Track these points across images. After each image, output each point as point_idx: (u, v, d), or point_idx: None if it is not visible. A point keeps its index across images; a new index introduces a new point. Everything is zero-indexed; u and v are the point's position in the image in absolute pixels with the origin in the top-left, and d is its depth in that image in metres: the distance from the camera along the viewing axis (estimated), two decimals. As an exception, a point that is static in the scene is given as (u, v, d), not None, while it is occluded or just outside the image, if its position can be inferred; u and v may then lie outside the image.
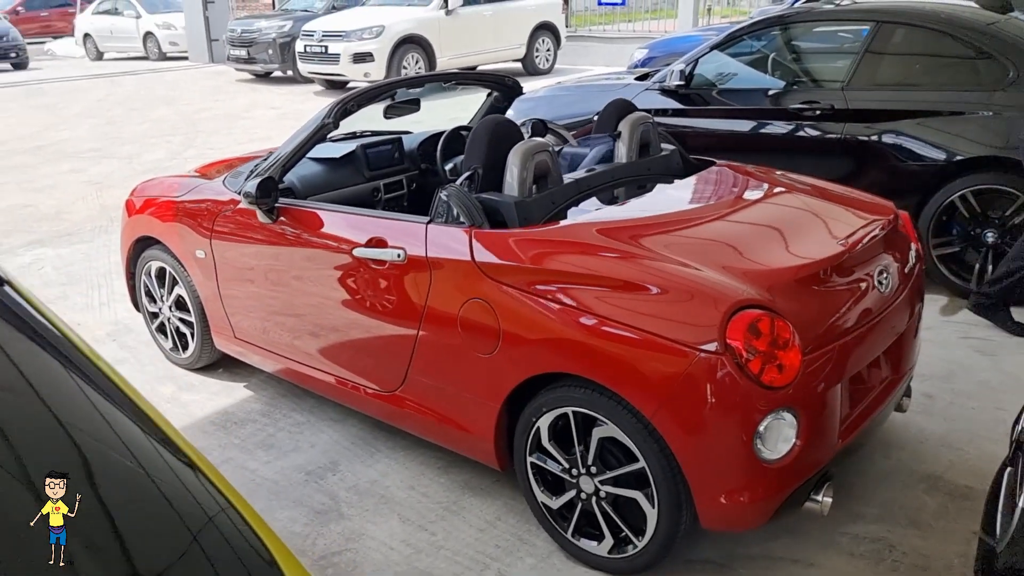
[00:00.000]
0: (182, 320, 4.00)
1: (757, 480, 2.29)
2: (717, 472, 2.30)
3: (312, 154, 3.86)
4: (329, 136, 4.08)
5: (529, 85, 6.60)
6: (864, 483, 3.02)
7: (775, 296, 2.32)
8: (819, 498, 2.47)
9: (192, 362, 4.07)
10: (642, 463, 2.40)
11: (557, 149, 3.57)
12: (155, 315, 4.18)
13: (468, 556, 2.74)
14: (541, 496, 2.72)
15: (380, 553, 2.78)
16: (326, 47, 13.12)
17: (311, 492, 3.13)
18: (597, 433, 2.50)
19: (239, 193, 3.42)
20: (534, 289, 2.53)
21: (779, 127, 5.07)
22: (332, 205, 3.23)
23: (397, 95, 3.78)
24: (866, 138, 4.74)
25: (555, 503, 2.69)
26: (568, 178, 3.04)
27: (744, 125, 5.22)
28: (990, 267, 4.48)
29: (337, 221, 3.14)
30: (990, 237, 4.47)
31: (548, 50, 15.07)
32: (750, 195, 3.10)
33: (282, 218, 3.31)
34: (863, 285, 2.55)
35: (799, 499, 2.44)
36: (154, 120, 11.72)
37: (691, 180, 3.20)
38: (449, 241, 2.77)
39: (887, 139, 4.68)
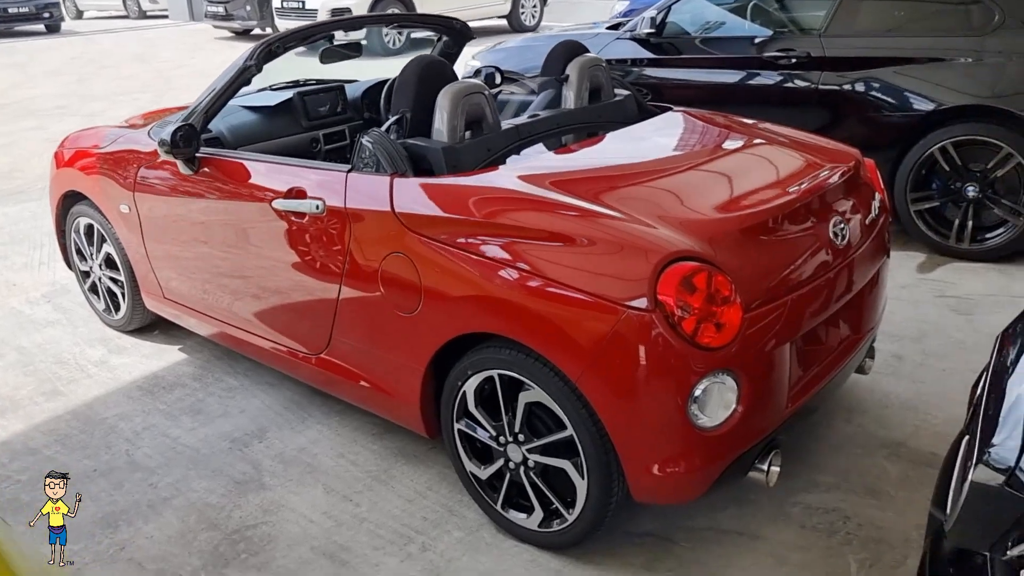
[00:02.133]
0: (113, 280, 3.78)
1: (693, 449, 2.10)
2: (648, 441, 2.10)
3: (246, 102, 3.62)
4: (272, 86, 3.85)
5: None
6: (821, 449, 2.83)
7: (715, 248, 2.10)
8: (764, 467, 2.27)
9: (124, 324, 3.85)
10: (570, 431, 2.20)
11: (496, 92, 3.33)
12: (87, 274, 3.96)
13: (391, 529, 2.56)
14: (469, 465, 2.53)
15: (298, 526, 2.59)
16: (303, 3, 12.75)
17: (233, 461, 2.94)
18: (523, 398, 2.29)
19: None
20: (456, 242, 2.31)
21: (753, 76, 4.81)
22: (255, 154, 3.00)
23: (335, 39, 3.53)
24: (843, 87, 4.49)
25: (484, 473, 2.49)
26: (507, 124, 2.80)
27: (716, 74, 4.96)
28: (970, 222, 4.27)
29: (258, 170, 2.90)
30: (971, 191, 4.24)
31: (534, 6, 14.69)
32: (703, 142, 2.87)
33: (205, 169, 3.08)
34: (817, 237, 2.33)
35: (742, 468, 2.25)
36: (126, 77, 11.39)
37: (641, 127, 2.96)
38: (369, 190, 2.54)
39: (864, 88, 4.43)
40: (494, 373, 2.33)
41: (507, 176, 2.47)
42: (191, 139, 3.00)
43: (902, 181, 4.35)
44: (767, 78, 4.75)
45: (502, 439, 2.40)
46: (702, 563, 2.36)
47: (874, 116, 4.41)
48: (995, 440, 1.54)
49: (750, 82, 4.83)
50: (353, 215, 2.56)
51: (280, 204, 2.75)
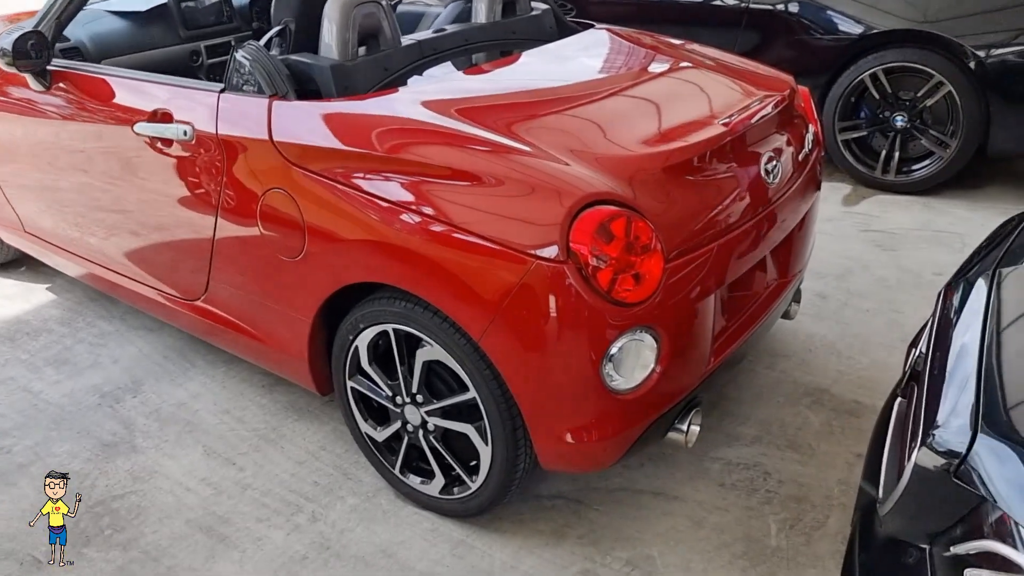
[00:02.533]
0: (-34, 209, 3.34)
1: (606, 414, 1.89)
2: (557, 406, 1.88)
3: (114, 7, 3.17)
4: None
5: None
6: (742, 398, 2.68)
7: (635, 189, 1.85)
8: (684, 427, 2.09)
9: (-16, 259, 3.43)
10: (472, 393, 1.97)
11: (395, 3, 2.97)
12: (-63, 203, 3.49)
13: (278, 497, 2.31)
14: (365, 427, 2.29)
15: (173, 495, 2.32)
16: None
17: (102, 419, 2.63)
18: (421, 356, 2.04)
19: (2, 52, 2.73)
20: (344, 178, 2.00)
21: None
22: (116, 69, 2.59)
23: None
24: (775, 7, 4.25)
25: (380, 435, 2.25)
26: (408, 40, 2.46)
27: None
28: (896, 153, 4.13)
29: (119, 88, 2.51)
30: (899, 121, 4.09)
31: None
32: (626, 65, 2.59)
33: (59, 84, 2.66)
34: (747, 175, 2.10)
35: (660, 430, 2.06)
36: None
37: (559, 46, 2.66)
38: (244, 115, 2.20)
39: (798, 9, 4.19)
40: (388, 328, 2.07)
41: (405, 101, 2.15)
42: (40, 49, 2.57)
43: (830, 109, 4.17)
44: (694, -6, 4.46)
45: (399, 399, 2.15)
46: (615, 528, 2.20)
47: (805, 39, 4.19)
48: (939, 419, 1.36)
49: (674, 1, 4.54)
50: (226, 143, 2.22)
51: (143, 128, 2.38)
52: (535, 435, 1.93)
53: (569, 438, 1.90)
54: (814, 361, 2.88)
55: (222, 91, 2.26)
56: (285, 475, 2.39)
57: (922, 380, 1.58)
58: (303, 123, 2.11)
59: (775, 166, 2.17)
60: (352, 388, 2.25)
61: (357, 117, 2.08)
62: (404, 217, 1.90)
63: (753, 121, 2.13)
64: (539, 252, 1.76)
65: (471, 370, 1.93)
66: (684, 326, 1.94)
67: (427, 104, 2.10)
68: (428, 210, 1.88)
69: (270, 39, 2.33)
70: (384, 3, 2.33)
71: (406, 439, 2.20)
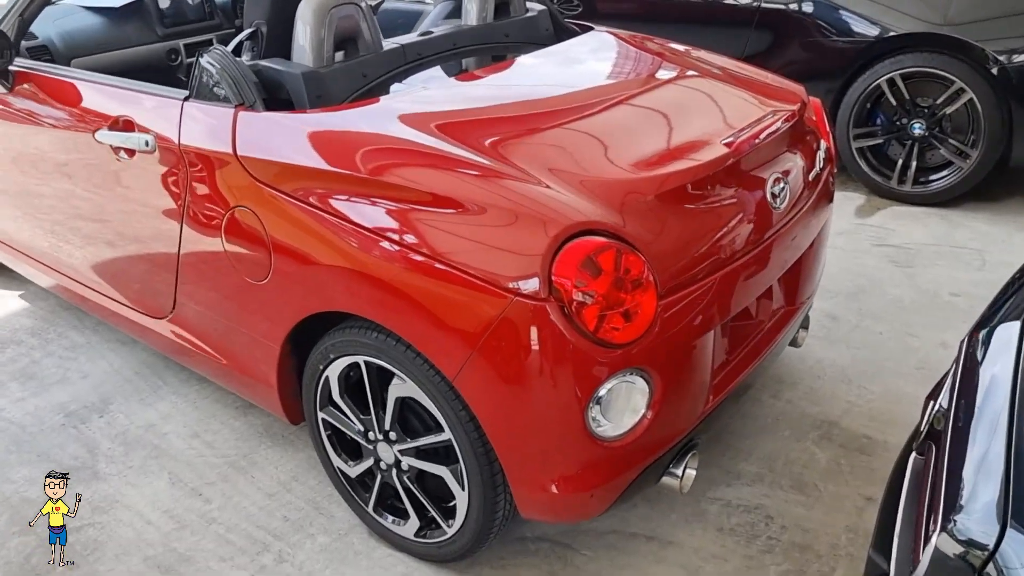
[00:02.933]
0: (-64, 212, 3.19)
1: (592, 463, 1.72)
2: (537, 453, 1.72)
3: (88, 2, 3.01)
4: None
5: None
6: (745, 430, 2.52)
7: (627, 217, 1.68)
8: (679, 472, 1.93)
9: (-46, 264, 3.28)
10: (448, 434, 1.81)
11: (376, 3, 2.80)
12: (-93, 204, 3.35)
13: (245, 533, 2.16)
14: (337, 461, 2.13)
15: (133, 529, 2.18)
16: None
17: (65, 441, 2.48)
18: (394, 391, 1.89)
19: (-36, 51, 2.57)
20: (311, 200, 1.84)
21: (689, -9, 4.33)
22: (77, 71, 2.43)
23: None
24: (787, 6, 4.05)
25: (353, 470, 2.10)
26: (390, 44, 2.29)
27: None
28: (914, 163, 3.94)
29: (82, 91, 2.35)
30: (917, 129, 3.90)
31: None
32: (626, 74, 2.42)
33: (24, 85, 2.51)
34: (751, 199, 1.93)
35: (652, 476, 1.89)
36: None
37: (554, 51, 2.49)
38: (208, 125, 2.04)
39: (809, 8, 3.99)
40: (360, 360, 1.91)
41: (381, 115, 1.99)
42: (1, 49, 2.42)
43: (845, 115, 3.98)
44: (707, -8, 4.27)
45: (371, 435, 2.00)
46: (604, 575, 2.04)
47: (819, 41, 4.00)
48: (962, 499, 1.20)
49: (682, -1, 4.35)
50: (189, 156, 2.06)
51: (104, 136, 2.22)
52: (514, 483, 1.77)
53: (551, 487, 1.74)
54: (823, 390, 2.71)
55: (186, 99, 2.10)
56: (254, 508, 2.24)
57: (942, 441, 1.41)
58: (269, 137, 1.95)
59: (782, 189, 2.00)
60: (323, 420, 2.10)
61: (326, 132, 1.91)
62: (372, 243, 1.74)
63: (759, 140, 1.95)
64: (519, 287, 1.60)
65: (446, 410, 1.77)
66: (680, 367, 1.78)
67: (405, 118, 1.94)
68: (398, 236, 1.72)
69: (240, 43, 2.16)
70: (364, 4, 2.16)
71: (379, 477, 2.04)
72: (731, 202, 1.87)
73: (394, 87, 2.24)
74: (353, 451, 2.11)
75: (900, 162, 3.96)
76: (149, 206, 2.21)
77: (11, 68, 2.50)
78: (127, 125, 2.18)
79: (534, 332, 1.60)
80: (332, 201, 1.82)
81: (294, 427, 2.49)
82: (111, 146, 2.22)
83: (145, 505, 2.25)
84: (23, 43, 2.71)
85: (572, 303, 1.59)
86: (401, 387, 1.86)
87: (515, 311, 1.60)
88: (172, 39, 3.03)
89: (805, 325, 2.51)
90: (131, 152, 2.18)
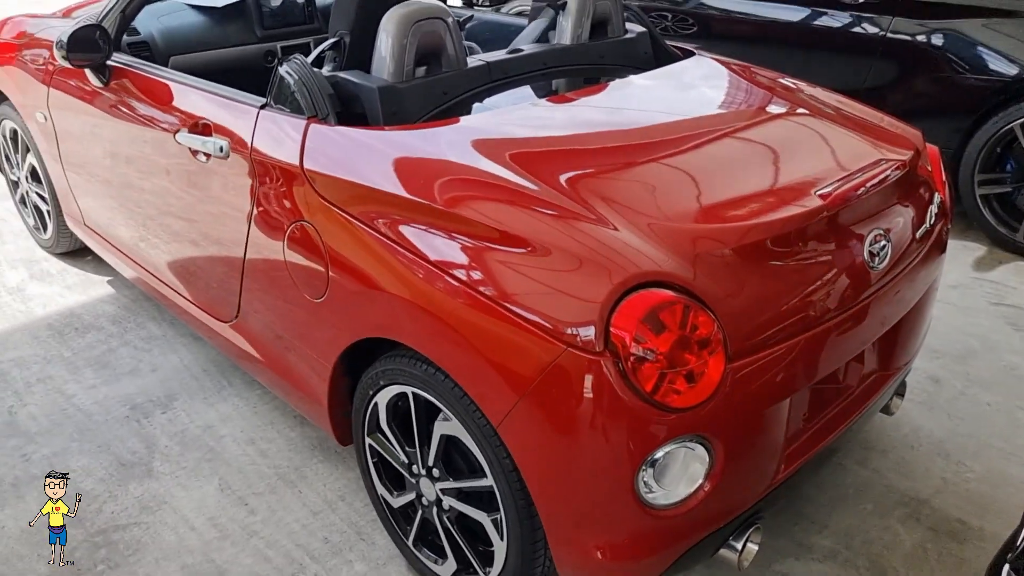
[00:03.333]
0: (40, 195, 3.31)
1: (639, 532, 1.58)
2: (580, 514, 1.59)
3: (195, 0, 3.05)
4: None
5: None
6: (822, 498, 2.31)
7: (699, 269, 1.54)
8: (738, 545, 1.76)
9: (52, 246, 3.41)
10: (490, 480, 1.71)
11: (463, 18, 2.71)
12: (16, 184, 3.49)
13: (284, 551, 2.11)
14: (380, 489, 2.06)
15: (176, 534, 2.16)
16: None
17: (127, 434, 2.50)
18: (439, 428, 1.80)
19: (70, 42, 2.63)
20: (367, 220, 1.77)
21: (818, 16, 4.08)
22: (166, 71, 2.44)
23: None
24: (915, 37, 3.77)
25: (396, 501, 2.02)
26: (476, 61, 2.21)
27: (777, 9, 4.22)
28: (1045, 216, 3.60)
29: (169, 91, 2.36)
30: (1052, 180, 3.56)
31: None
32: (723, 107, 2.25)
33: (118, 81, 2.55)
34: (846, 257, 1.75)
35: (708, 549, 1.74)
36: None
37: (650, 77, 2.35)
38: (280, 135, 2.00)
39: (942, 41, 3.70)
40: (408, 390, 1.83)
41: (453, 138, 1.90)
42: (97, 44, 2.46)
43: (970, 158, 3.67)
44: (833, 19, 4.02)
45: (415, 469, 1.91)
46: (648, 647, 1.88)
47: (948, 76, 3.70)
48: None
49: (814, 22, 4.10)
50: (259, 164, 2.03)
51: (184, 138, 2.22)
52: (553, 543, 1.65)
53: (593, 553, 1.61)
54: (915, 462, 2.47)
55: (263, 106, 2.07)
56: (296, 525, 2.19)
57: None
58: (335, 152, 1.89)
59: (883, 247, 1.80)
60: (370, 445, 2.03)
61: (393, 152, 1.84)
62: (424, 271, 1.65)
63: (860, 192, 1.77)
64: (573, 336, 1.47)
65: (489, 456, 1.67)
66: (747, 436, 1.62)
67: (478, 144, 1.84)
68: (451, 269, 1.62)
69: (322, 52, 2.12)
70: (450, 20, 2.08)
71: (420, 512, 1.96)
72: (821, 260, 1.70)
73: (475, 107, 2.15)
74: (397, 481, 2.03)
75: (1029, 213, 3.63)
76: (220, 211, 2.20)
77: (108, 63, 2.54)
78: (205, 128, 2.17)
79: (585, 386, 1.48)
80: (390, 224, 1.74)
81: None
82: (190, 148, 2.22)
83: (191, 509, 2.23)
84: (126, 38, 2.76)
85: (629, 359, 1.45)
86: (446, 425, 1.76)
87: (567, 361, 1.48)
88: (271, 41, 3.05)
89: (901, 392, 2.29)
90: (208, 155, 2.17)
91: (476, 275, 1.60)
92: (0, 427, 2.52)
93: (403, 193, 1.75)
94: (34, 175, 3.25)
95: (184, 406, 2.62)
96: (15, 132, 3.24)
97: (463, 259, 1.63)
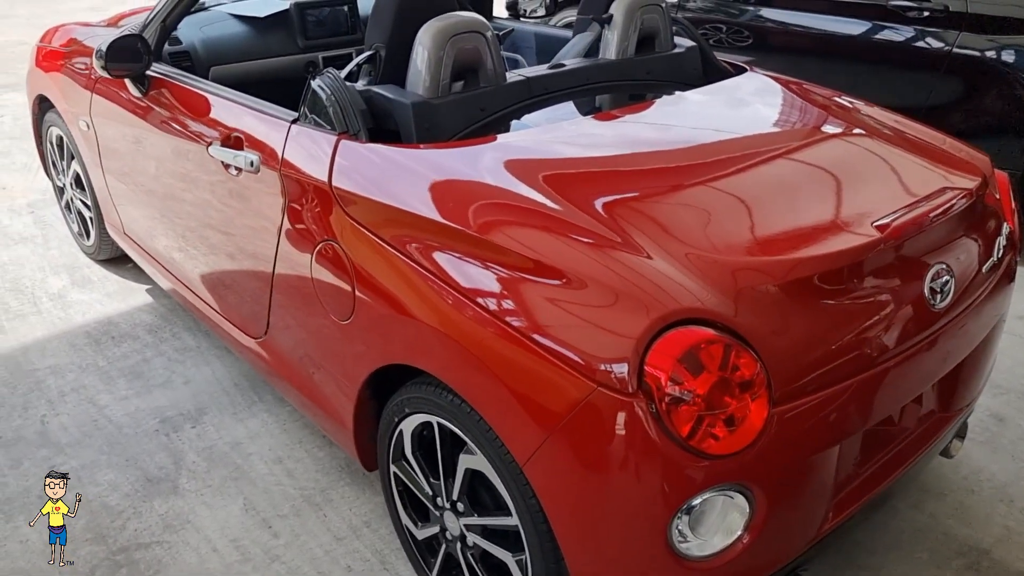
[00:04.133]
0: (84, 202, 3.33)
1: (672, 584, 1.48)
2: (608, 562, 1.49)
3: (238, 9, 3.03)
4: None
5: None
6: (874, 545, 2.17)
7: (742, 305, 1.43)
8: (781, 600, 1.64)
9: (95, 252, 3.42)
10: (515, 520, 1.62)
11: (503, 31, 2.63)
12: (62, 190, 3.52)
13: (304, 578, 2.05)
14: (405, 519, 1.99)
15: (197, 555, 2.11)
16: None
17: (155, 448, 2.47)
18: (464, 461, 1.71)
19: (111, 52, 2.62)
20: (399, 243, 1.70)
21: (879, 30, 3.92)
22: (204, 82, 2.41)
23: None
24: (983, 53, 3.58)
25: (420, 533, 1.95)
26: (515, 76, 2.13)
27: (836, 23, 4.07)
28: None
29: (205, 104, 2.33)
30: None
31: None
32: (775, 128, 2.13)
33: (157, 91, 2.53)
34: (905, 294, 1.62)
35: (746, 601, 1.62)
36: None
37: (699, 94, 2.24)
38: (310, 151, 1.94)
39: (1010, 58, 3.51)
40: (433, 420, 1.75)
41: (488, 158, 1.82)
42: (137, 53, 2.44)
43: (1042, 181, 3.48)
44: (896, 33, 3.85)
45: (439, 501, 1.83)
46: None
47: (1019, 95, 3.51)
48: None
49: (875, 36, 3.93)
50: (288, 180, 1.98)
51: (216, 152, 2.18)
52: (579, 591, 1.55)
53: (621, 604, 1.51)
54: (976, 507, 2.31)
55: (295, 120, 2.02)
56: (320, 551, 2.13)
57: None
58: (365, 170, 1.82)
59: (946, 283, 1.67)
60: (395, 474, 1.95)
61: (423, 171, 1.76)
62: (456, 301, 1.57)
63: (921, 224, 1.64)
64: (605, 374, 1.38)
65: (515, 495, 1.58)
66: (792, 486, 1.51)
67: (512, 165, 1.76)
68: (488, 300, 1.53)
69: (358, 66, 2.06)
70: (489, 34, 2.01)
71: (444, 546, 1.88)
72: (877, 297, 1.57)
73: (513, 124, 2.07)
74: (422, 512, 1.95)
75: (1105, 241, 3.41)
76: (250, 226, 2.15)
77: (149, 73, 2.52)
78: (237, 142, 2.13)
79: (617, 428, 1.38)
80: (417, 248, 1.67)
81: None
82: (222, 162, 2.18)
83: (215, 530, 2.18)
84: (168, 48, 2.75)
85: (664, 401, 1.35)
86: (472, 458, 1.68)
87: (599, 400, 1.39)
88: (313, 51, 3.01)
89: (962, 434, 2.14)
90: (239, 169, 2.12)
91: (505, 305, 1.51)
92: (32, 436, 2.51)
93: (431, 215, 1.68)
94: (78, 182, 3.27)
95: (214, 421, 2.58)
96: (60, 139, 3.26)
97: (492, 288, 1.54)
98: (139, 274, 3.38)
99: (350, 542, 2.15)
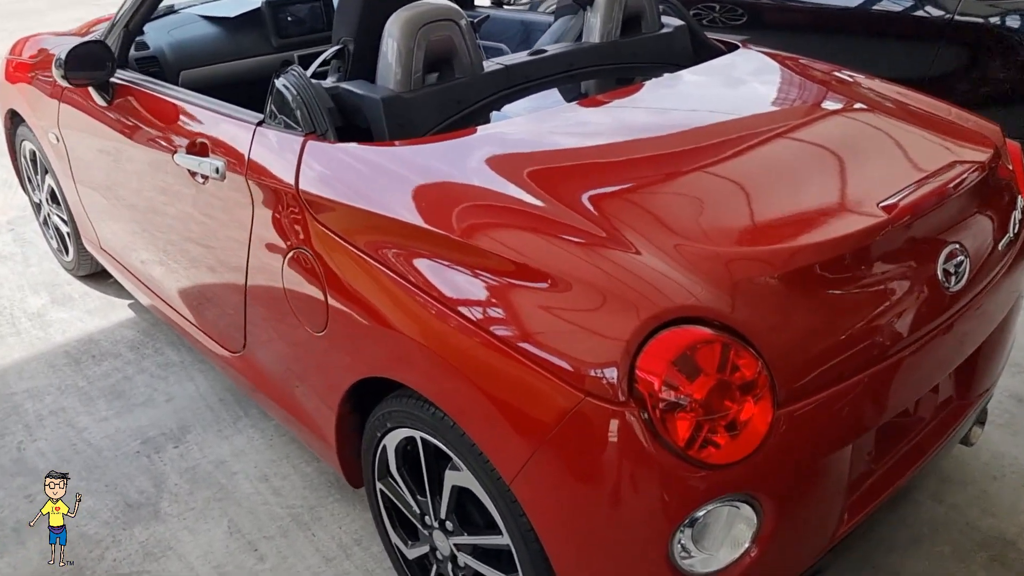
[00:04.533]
0: (60, 217, 3.22)
1: (676, 604, 1.37)
2: (606, 583, 1.38)
3: (205, 10, 2.92)
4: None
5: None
6: (893, 540, 2.05)
7: (739, 300, 1.31)
8: (795, 607, 1.53)
9: (75, 268, 3.32)
10: (505, 538, 1.51)
11: (478, 18, 2.51)
12: (39, 206, 3.41)
13: (292, 605, 1.95)
14: (394, 538, 1.88)
15: (179, 584, 2.01)
16: None
17: (135, 472, 2.37)
18: (450, 478, 1.60)
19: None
20: (374, 250, 1.59)
21: (876, 1, 3.77)
22: (169, 87, 2.30)
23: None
24: (987, 20, 3.44)
25: (411, 552, 1.84)
26: (493, 65, 2.01)
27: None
28: None
29: (170, 110, 2.22)
30: None
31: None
32: (772, 106, 2.01)
33: (122, 99, 2.41)
34: (916, 277, 1.50)
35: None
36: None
37: (691, 74, 2.12)
38: (275, 154, 1.83)
39: (1016, 23, 3.37)
40: (416, 435, 1.64)
41: (464, 153, 1.70)
42: (99, 61, 2.33)
43: (1052, 149, 3.33)
44: (894, 3, 3.71)
45: (427, 520, 1.72)
46: None
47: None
48: None
49: (872, 7, 3.79)
50: (255, 185, 1.86)
51: (181, 159, 2.07)
52: (577, 613, 1.44)
53: (622, 626, 1.40)
54: (999, 496, 2.19)
55: (259, 123, 1.90)
56: (308, 574, 2.02)
57: None
58: (333, 171, 1.71)
59: (960, 264, 1.55)
60: (381, 491, 1.84)
61: (393, 171, 1.64)
62: (430, 310, 1.46)
63: (932, 201, 1.52)
64: (594, 381, 1.27)
65: (504, 513, 1.47)
66: (803, 492, 1.39)
67: (492, 160, 1.64)
68: (467, 307, 1.42)
69: (326, 62, 1.95)
70: (463, 22, 1.89)
71: (435, 567, 1.77)
72: (886, 283, 1.45)
73: (493, 116, 1.96)
74: (411, 531, 1.84)
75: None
76: (220, 236, 2.04)
77: (113, 80, 2.41)
78: (203, 148, 2.01)
79: (608, 440, 1.27)
80: (389, 254, 1.55)
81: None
82: (188, 169, 2.06)
83: (197, 556, 2.08)
84: (134, 53, 2.64)
85: (658, 408, 1.24)
86: (457, 475, 1.57)
87: (588, 411, 1.27)
88: (287, 50, 2.89)
89: (982, 420, 2.02)
90: (205, 177, 2.01)
91: (486, 312, 1.40)
92: (7, 464, 2.41)
93: (404, 218, 1.56)
94: (53, 197, 3.16)
95: (197, 439, 2.47)
96: (34, 153, 3.16)
97: (471, 294, 1.43)
98: (120, 289, 3.27)
99: (340, 563, 2.05)
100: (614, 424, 1.25)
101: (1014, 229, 1.74)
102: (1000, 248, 1.69)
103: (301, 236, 1.73)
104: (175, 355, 2.88)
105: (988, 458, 2.32)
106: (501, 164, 1.63)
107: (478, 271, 1.43)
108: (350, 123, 1.83)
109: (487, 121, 1.91)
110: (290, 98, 1.82)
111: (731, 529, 1.35)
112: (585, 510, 1.32)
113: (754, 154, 1.69)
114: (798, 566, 1.47)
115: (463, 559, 1.66)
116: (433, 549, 1.74)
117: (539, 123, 1.86)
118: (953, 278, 1.54)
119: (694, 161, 1.67)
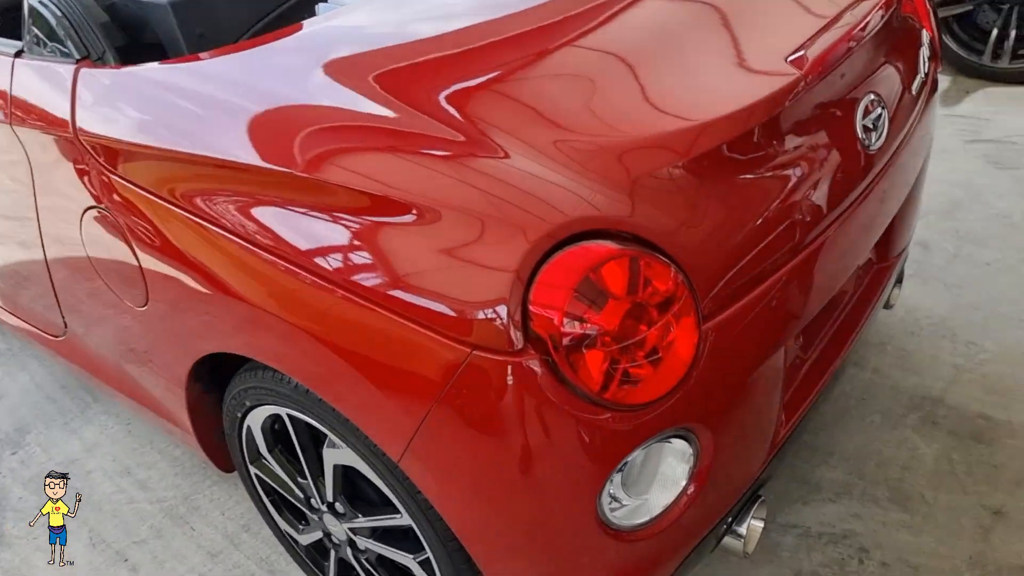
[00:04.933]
0: None
1: (610, 564, 1.17)
2: (525, 556, 1.16)
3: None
4: None
5: None
6: (823, 419, 1.94)
7: (639, 201, 1.06)
8: (742, 530, 1.37)
9: None
10: (406, 518, 1.27)
11: None
12: None
13: (178, 617, 1.68)
14: (283, 524, 1.62)
15: (39, 618, 1.71)
16: None
17: (-31, 492, 2.01)
18: (329, 457, 1.34)
19: None
20: (188, 200, 1.25)
21: None
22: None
23: None
24: None
25: (303, 538, 1.59)
26: (307, -55, 1.64)
27: None
28: (1012, 32, 3.17)
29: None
30: (1016, -12, 3.11)
31: None
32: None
33: None
34: (835, 142, 1.28)
35: (706, 548, 1.34)
36: None
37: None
38: (42, 92, 1.44)
39: None
40: (282, 411, 1.36)
41: (291, 60, 1.35)
42: None
43: (923, -23, 3.19)
44: None
45: (314, 503, 1.47)
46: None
47: None
48: None
49: None
50: (24, 132, 1.47)
51: (-73, 112, 1.64)
52: (497, 590, 1.23)
53: (554, 597, 1.20)
54: (919, 351, 2.10)
55: (18, 53, 1.49)
56: (192, 575, 1.75)
57: None
58: (118, 103, 1.34)
59: (879, 116, 1.34)
60: (256, 475, 1.57)
61: (192, 93, 1.29)
62: (265, 266, 1.16)
63: (843, 50, 1.28)
64: (482, 331, 1.00)
65: (398, 491, 1.22)
66: (740, 411, 1.19)
67: (328, 66, 1.30)
68: (311, 260, 1.12)
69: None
70: None
71: (334, 553, 1.53)
72: (804, 153, 1.23)
73: (320, 8, 1.61)
74: (300, 514, 1.59)
75: (994, 32, 3.19)
76: (2, 203, 1.64)
77: None
78: (-48, 94, 1.59)
79: (506, 400, 1.02)
80: (207, 201, 1.22)
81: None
82: (-61, 123, 1.64)
83: (57, 580, 1.78)
84: None
85: (561, 349, 0.99)
86: (337, 453, 1.31)
87: (478, 367, 1.02)
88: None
89: (899, 280, 1.89)
90: (-35, 130, 1.60)
91: (342, 262, 1.10)
92: None
93: (217, 154, 1.22)
94: None
95: (39, 439, 2.12)
96: None
97: (319, 241, 1.12)
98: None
99: (228, 555, 1.78)
100: (511, 378, 1.00)
101: (923, 70, 1.55)
102: (913, 92, 1.50)
103: (93, 191, 1.37)
104: (1, 343, 2.47)
105: (903, 313, 2.23)
106: (338, 69, 1.30)
107: (325, 212, 1.12)
108: (136, 41, 1.45)
109: (313, 14, 1.57)
110: (50, 18, 1.42)
111: (665, 471, 1.15)
112: (491, 482, 1.09)
113: (632, 19, 1.40)
114: (742, 486, 1.30)
115: (363, 543, 1.42)
116: (326, 535, 1.50)
117: (378, 10, 1.52)
118: (873, 134, 1.33)
119: (564, 34, 1.37)
